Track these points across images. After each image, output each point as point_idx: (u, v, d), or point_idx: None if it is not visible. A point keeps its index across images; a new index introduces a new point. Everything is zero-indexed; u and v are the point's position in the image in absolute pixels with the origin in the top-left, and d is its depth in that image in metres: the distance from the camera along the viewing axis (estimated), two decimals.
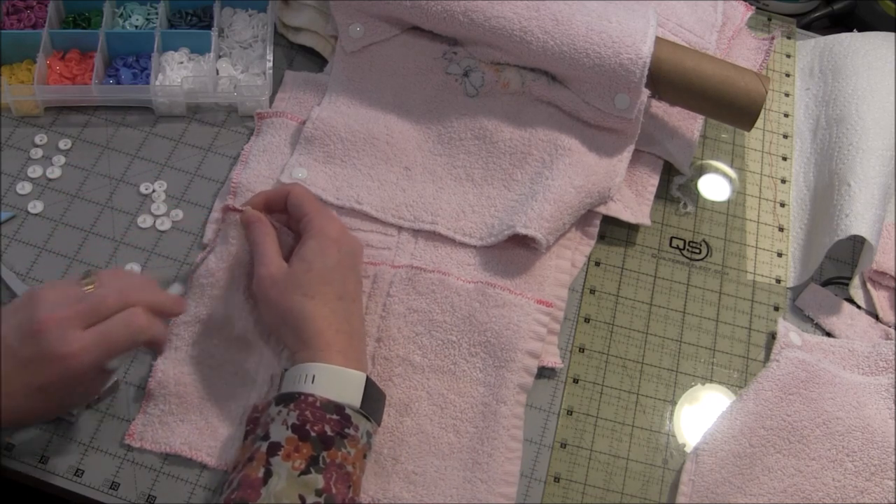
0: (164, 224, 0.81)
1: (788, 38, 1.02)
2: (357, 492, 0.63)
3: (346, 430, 0.63)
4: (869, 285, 0.84)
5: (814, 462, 0.72)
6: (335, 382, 0.64)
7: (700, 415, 0.76)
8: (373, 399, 0.66)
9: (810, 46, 1.00)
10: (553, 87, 0.85)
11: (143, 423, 0.70)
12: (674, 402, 0.77)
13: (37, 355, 0.57)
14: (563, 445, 0.74)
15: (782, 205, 0.89)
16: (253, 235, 0.71)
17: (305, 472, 0.60)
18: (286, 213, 0.74)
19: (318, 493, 0.60)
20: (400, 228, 0.81)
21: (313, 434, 0.61)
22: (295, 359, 0.67)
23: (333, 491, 0.60)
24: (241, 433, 0.70)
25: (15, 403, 0.58)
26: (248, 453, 0.62)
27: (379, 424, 0.68)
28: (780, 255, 0.86)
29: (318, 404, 0.63)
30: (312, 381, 0.64)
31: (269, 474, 0.60)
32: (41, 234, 0.79)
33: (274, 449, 0.61)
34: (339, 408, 0.63)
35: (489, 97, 0.86)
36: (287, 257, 0.71)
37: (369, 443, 0.65)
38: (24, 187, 0.81)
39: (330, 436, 0.62)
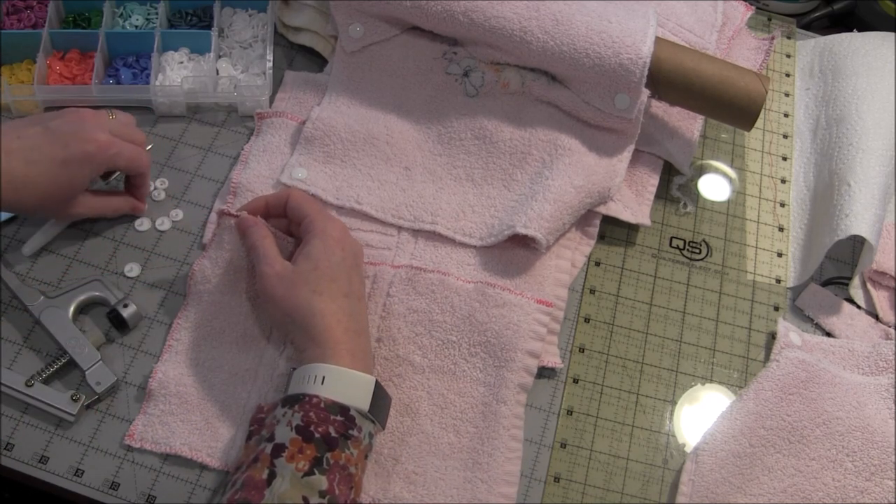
0: (164, 224, 0.81)
1: (788, 38, 1.02)
2: (358, 493, 0.63)
3: (350, 432, 0.63)
4: (869, 285, 0.84)
5: (814, 462, 0.72)
6: (345, 385, 0.64)
7: (700, 415, 0.76)
8: (379, 402, 0.66)
9: (810, 46, 1.00)
10: (553, 87, 0.85)
11: (143, 423, 0.70)
12: (674, 402, 0.77)
13: (70, 133, 0.71)
14: (563, 445, 0.74)
15: (782, 205, 0.89)
16: (251, 239, 0.72)
17: (309, 473, 0.60)
18: (285, 217, 0.74)
19: (322, 494, 0.60)
20: (400, 228, 0.81)
21: (317, 435, 0.61)
22: (303, 357, 0.67)
23: (337, 492, 0.60)
24: (241, 434, 0.70)
25: (38, 170, 0.69)
26: (253, 454, 0.62)
27: (384, 427, 0.68)
28: (780, 255, 0.86)
29: (322, 405, 0.63)
30: (322, 383, 0.64)
31: (272, 475, 0.60)
32: None
33: (278, 450, 0.61)
34: (343, 409, 0.63)
35: (489, 97, 0.86)
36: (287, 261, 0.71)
37: (371, 444, 0.65)
38: None
39: (334, 437, 0.62)
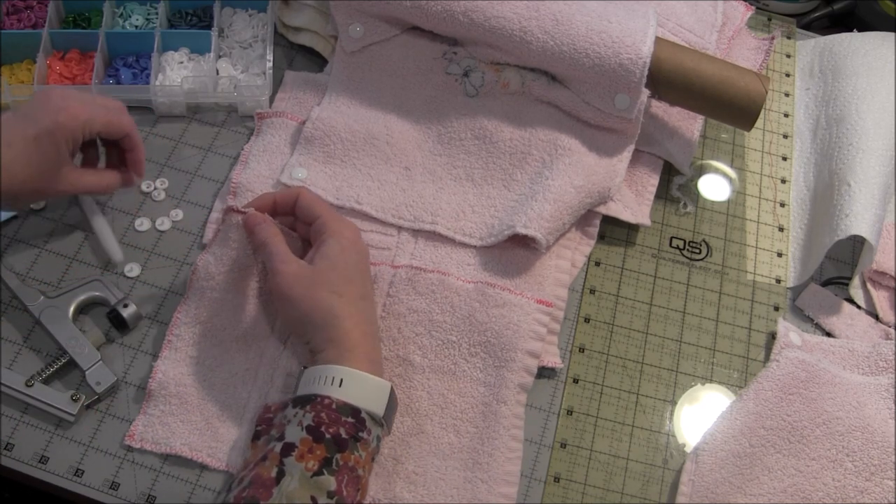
0: (164, 224, 0.81)
1: (788, 38, 1.02)
2: (364, 495, 0.63)
3: (360, 434, 0.63)
4: (869, 285, 0.84)
5: (814, 462, 0.72)
6: (362, 389, 0.64)
7: (700, 415, 0.76)
8: (390, 407, 0.66)
9: (810, 46, 1.00)
10: (553, 87, 0.85)
11: (143, 423, 0.70)
12: (674, 402, 0.77)
13: (38, 109, 0.70)
14: (563, 445, 0.74)
15: (782, 205, 0.89)
16: (260, 237, 0.71)
17: (318, 473, 0.60)
18: (293, 215, 0.74)
19: (330, 494, 0.60)
20: (400, 228, 0.81)
21: (328, 436, 0.61)
22: (317, 358, 0.66)
23: (344, 494, 0.60)
24: (242, 433, 0.70)
25: (13, 153, 0.68)
26: (262, 453, 0.62)
27: (390, 432, 0.68)
28: (780, 255, 0.86)
29: (333, 406, 0.62)
30: (340, 385, 0.63)
31: (281, 474, 0.60)
32: (41, 234, 0.79)
33: (288, 449, 0.61)
34: (354, 411, 0.63)
35: (489, 97, 0.86)
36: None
37: (378, 447, 0.65)
38: None
39: (344, 438, 0.62)
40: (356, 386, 0.64)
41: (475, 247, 0.80)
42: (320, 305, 0.66)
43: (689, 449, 0.74)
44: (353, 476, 0.61)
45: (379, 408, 0.64)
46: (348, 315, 0.66)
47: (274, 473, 0.60)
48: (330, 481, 0.60)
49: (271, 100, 0.88)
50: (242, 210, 0.73)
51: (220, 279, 0.74)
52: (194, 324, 0.74)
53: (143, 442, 0.70)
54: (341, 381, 0.64)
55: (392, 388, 0.66)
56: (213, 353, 0.73)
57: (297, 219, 0.74)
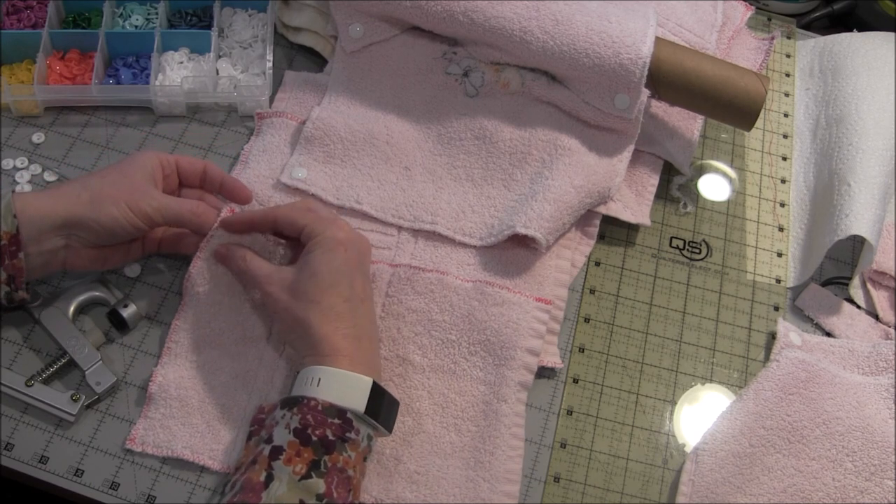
0: None
1: (788, 38, 1.02)
2: (357, 495, 0.63)
3: (348, 435, 0.63)
4: (869, 285, 0.84)
5: (814, 462, 0.72)
6: (340, 387, 0.64)
7: (700, 415, 0.76)
8: (382, 404, 0.66)
9: (810, 46, 1.00)
10: (553, 87, 0.85)
11: (144, 427, 0.70)
12: (674, 402, 0.77)
13: (120, 161, 0.72)
14: (563, 445, 0.74)
15: (782, 205, 0.89)
16: (235, 268, 0.72)
17: (307, 476, 0.60)
18: (275, 232, 0.73)
19: (320, 497, 0.60)
20: (400, 228, 0.81)
21: (315, 438, 0.61)
22: (304, 363, 0.67)
23: (335, 495, 0.60)
24: (243, 435, 0.70)
25: (95, 175, 0.70)
26: (252, 455, 0.62)
27: (390, 431, 0.67)
28: (780, 255, 0.86)
29: (319, 408, 0.62)
30: (318, 385, 0.64)
31: (270, 478, 0.60)
32: None
33: (276, 453, 0.61)
34: (341, 412, 0.63)
35: (489, 97, 0.86)
36: (289, 263, 0.71)
37: (370, 446, 0.65)
38: (25, 188, 0.81)
39: (331, 440, 0.62)
40: (333, 383, 0.64)
41: (475, 247, 0.80)
42: (296, 316, 0.67)
43: (689, 449, 0.74)
44: (344, 477, 0.61)
45: (359, 404, 0.64)
46: (327, 321, 0.66)
47: (263, 478, 0.60)
48: (319, 484, 0.60)
49: (271, 100, 0.88)
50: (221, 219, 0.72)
51: (214, 283, 0.74)
52: (193, 329, 0.74)
53: (144, 445, 0.70)
54: (319, 380, 0.64)
55: (380, 385, 0.65)
56: (212, 356, 0.73)
57: (286, 233, 0.73)
